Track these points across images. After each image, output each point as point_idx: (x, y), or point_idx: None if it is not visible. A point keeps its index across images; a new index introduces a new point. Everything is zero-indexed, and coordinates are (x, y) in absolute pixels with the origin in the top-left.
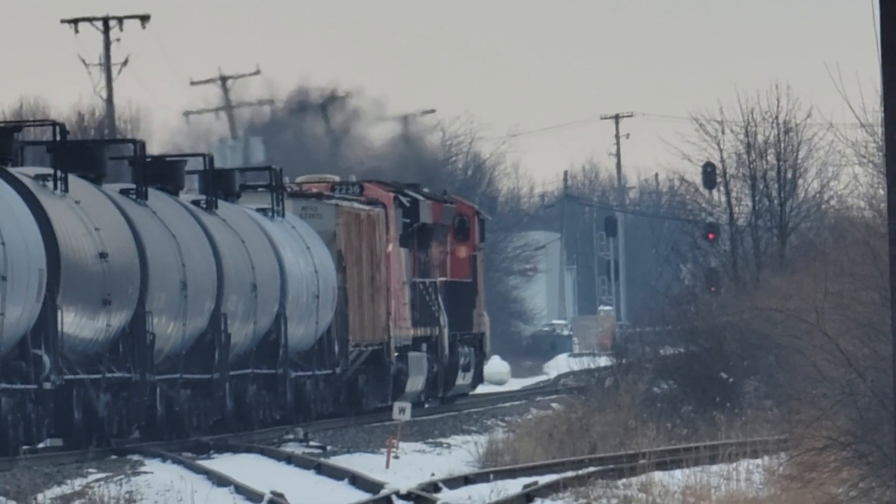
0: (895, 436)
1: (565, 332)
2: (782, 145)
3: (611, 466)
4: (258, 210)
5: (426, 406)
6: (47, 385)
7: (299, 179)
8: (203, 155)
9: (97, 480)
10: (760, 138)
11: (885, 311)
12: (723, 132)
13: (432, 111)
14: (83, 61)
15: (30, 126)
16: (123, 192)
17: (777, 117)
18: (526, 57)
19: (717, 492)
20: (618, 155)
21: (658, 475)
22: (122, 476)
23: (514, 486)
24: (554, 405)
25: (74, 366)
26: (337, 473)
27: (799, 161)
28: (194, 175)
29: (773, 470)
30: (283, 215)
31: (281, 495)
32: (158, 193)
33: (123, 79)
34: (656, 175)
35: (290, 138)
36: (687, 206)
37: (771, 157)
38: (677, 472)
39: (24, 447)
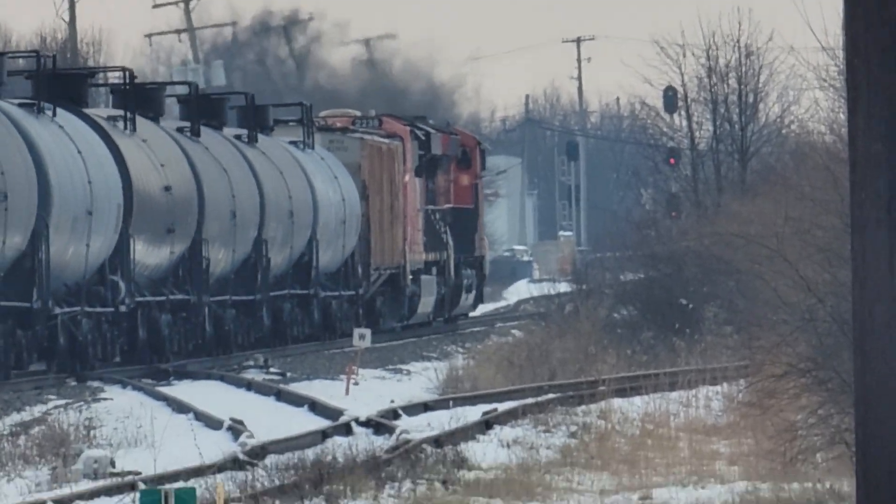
0: (854, 362)
1: (525, 258)
2: (744, 69)
3: (570, 393)
4: (291, 143)
5: (433, 324)
6: (122, 308)
7: (323, 113)
8: (244, 93)
9: (56, 407)
10: (722, 62)
11: (845, 237)
12: (684, 56)
13: (393, 35)
14: None
15: (98, 70)
16: (179, 129)
17: (738, 41)
18: None
19: (677, 418)
20: (579, 79)
21: (617, 402)
22: (82, 402)
23: (474, 413)
24: (514, 332)
25: (143, 289)
26: (297, 400)
27: (760, 85)
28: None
29: (732, 397)
30: (314, 147)
31: (240, 422)
32: (208, 130)
33: (86, 2)
34: (618, 99)
35: (252, 61)
36: (648, 130)
37: (732, 81)
38: (637, 399)
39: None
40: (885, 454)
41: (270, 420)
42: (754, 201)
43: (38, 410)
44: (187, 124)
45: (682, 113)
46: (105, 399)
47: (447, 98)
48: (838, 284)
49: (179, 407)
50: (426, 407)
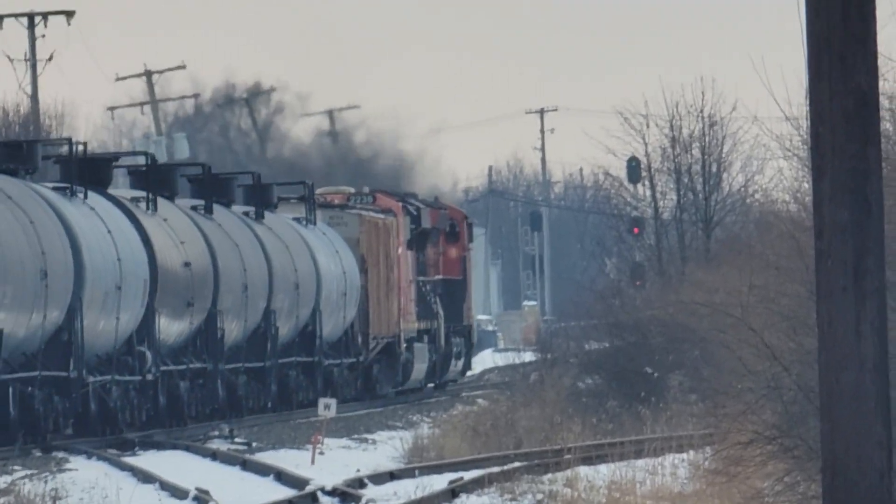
0: (822, 429)
1: (490, 328)
2: (707, 139)
3: (536, 462)
4: (294, 219)
5: (424, 390)
6: (149, 376)
7: (319, 191)
8: (251, 173)
9: (22, 478)
10: (685, 132)
11: (811, 305)
12: (647, 126)
13: (357, 107)
14: (8, 57)
15: (122, 155)
16: (194, 207)
17: (702, 111)
18: (448, 52)
19: (643, 486)
20: (542, 149)
21: (583, 470)
22: (48, 473)
23: (440, 482)
24: (479, 400)
25: (165, 358)
26: (262, 470)
27: (724, 155)
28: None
29: (698, 464)
30: (315, 223)
31: (206, 492)
32: (219, 207)
33: (48, 75)
34: (581, 170)
35: (215, 133)
36: (612, 200)
37: (696, 151)
38: (602, 467)
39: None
40: None
41: (237, 490)
42: (719, 270)
43: (2, 481)
44: (201, 202)
45: (646, 183)
46: (70, 469)
47: (410, 169)
48: (803, 352)
49: (145, 477)
50: (392, 476)
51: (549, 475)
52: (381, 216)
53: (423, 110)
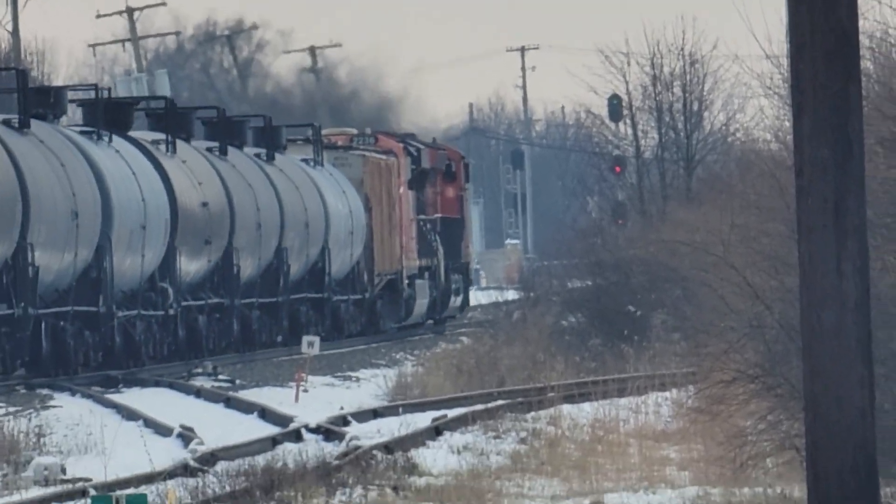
0: (803, 367)
1: (472, 266)
2: (688, 77)
3: (519, 400)
4: (302, 160)
5: (426, 324)
6: (171, 311)
7: (324, 132)
8: (263, 116)
9: (6, 415)
10: (666, 70)
11: (792, 244)
12: (629, 64)
13: (338, 45)
14: None
15: (142, 99)
16: (209, 149)
17: (683, 49)
18: None
19: (626, 424)
20: (524, 87)
21: (567, 408)
22: (31, 410)
23: (423, 420)
24: (462, 339)
25: (185, 294)
26: (246, 407)
27: (705, 93)
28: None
29: (681, 403)
30: (323, 164)
31: (190, 429)
32: (232, 149)
33: (29, 11)
34: (563, 108)
35: (196, 70)
36: (593, 138)
37: (677, 90)
38: (586, 406)
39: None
40: (835, 458)
41: (220, 427)
42: (700, 209)
43: None
44: (216, 144)
45: (628, 121)
46: (54, 406)
47: (393, 108)
48: (785, 291)
49: (129, 414)
50: (376, 413)
51: (533, 413)
52: (384, 157)
53: (405, 48)
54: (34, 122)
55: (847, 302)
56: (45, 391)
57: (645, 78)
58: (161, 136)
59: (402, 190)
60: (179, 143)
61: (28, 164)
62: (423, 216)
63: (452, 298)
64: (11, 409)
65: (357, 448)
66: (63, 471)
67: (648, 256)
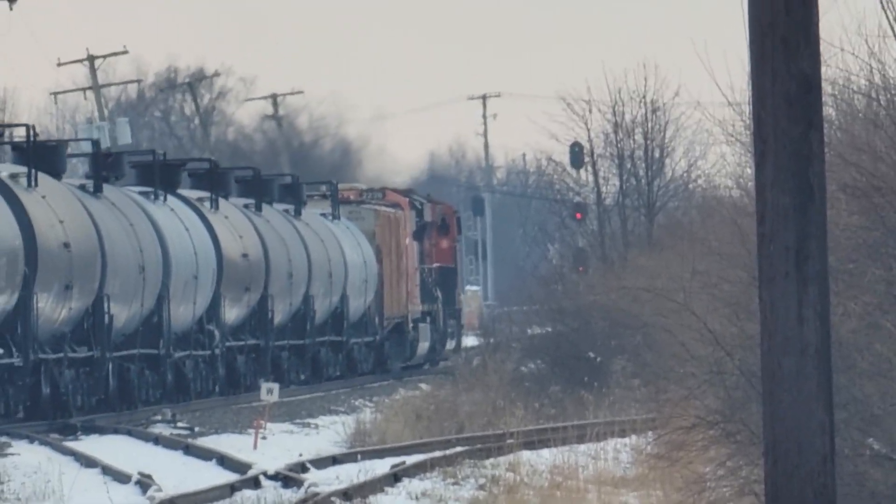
0: (763, 413)
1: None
2: (650, 124)
3: (479, 446)
4: (321, 214)
5: (426, 367)
6: (216, 351)
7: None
8: (290, 175)
9: None
10: (628, 117)
11: (753, 290)
12: (590, 111)
13: (300, 92)
14: None
15: (188, 161)
16: (246, 205)
17: (644, 96)
18: (391, 37)
19: (585, 471)
20: (485, 135)
21: (526, 454)
22: None
23: (383, 466)
24: (422, 385)
25: (227, 336)
26: (205, 454)
27: (666, 140)
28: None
29: (640, 449)
30: (339, 218)
31: (149, 476)
32: (265, 206)
33: None
34: (524, 155)
35: (157, 118)
36: (555, 185)
37: (638, 137)
38: (545, 452)
39: None
40: None
41: (179, 474)
42: (661, 255)
43: None
44: (251, 201)
45: (589, 168)
46: (12, 454)
47: (354, 156)
48: (745, 337)
49: (87, 461)
50: (334, 460)
51: (492, 460)
52: (392, 210)
53: (366, 95)
54: (107, 188)
55: (808, 348)
56: (3, 438)
57: (606, 125)
58: (203, 193)
59: (407, 241)
60: (221, 200)
61: (105, 225)
62: (423, 265)
63: (448, 342)
64: None
65: (315, 495)
66: None
67: (609, 303)
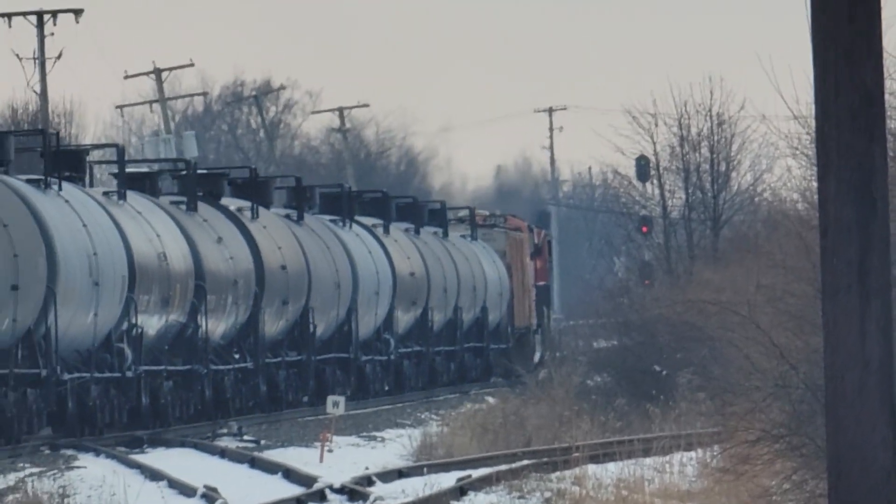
0: (826, 428)
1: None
2: (716, 138)
3: (545, 459)
4: (461, 236)
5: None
6: (391, 357)
7: (461, 214)
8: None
9: (31, 475)
10: (694, 131)
11: (817, 304)
12: (656, 125)
13: (366, 105)
14: (17, 55)
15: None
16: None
17: (710, 110)
18: (459, 51)
19: (651, 484)
20: (551, 148)
21: (592, 468)
22: (56, 471)
23: (448, 480)
24: (488, 398)
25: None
26: (271, 467)
27: (732, 153)
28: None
29: (706, 463)
30: (477, 239)
31: (214, 489)
32: (422, 230)
33: (57, 73)
34: (590, 168)
35: (223, 131)
36: (621, 199)
37: (704, 150)
38: (611, 465)
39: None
40: None
41: (245, 488)
42: (727, 269)
43: (12, 478)
44: (411, 225)
45: (655, 181)
46: (78, 467)
47: (420, 167)
48: (811, 351)
49: (153, 475)
50: (400, 474)
51: (558, 473)
52: (517, 233)
53: (432, 109)
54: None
55: (870, 363)
56: (69, 451)
57: (672, 138)
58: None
59: (527, 260)
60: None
61: (309, 249)
62: (535, 282)
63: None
64: (35, 470)
65: None
66: None
67: (675, 316)
